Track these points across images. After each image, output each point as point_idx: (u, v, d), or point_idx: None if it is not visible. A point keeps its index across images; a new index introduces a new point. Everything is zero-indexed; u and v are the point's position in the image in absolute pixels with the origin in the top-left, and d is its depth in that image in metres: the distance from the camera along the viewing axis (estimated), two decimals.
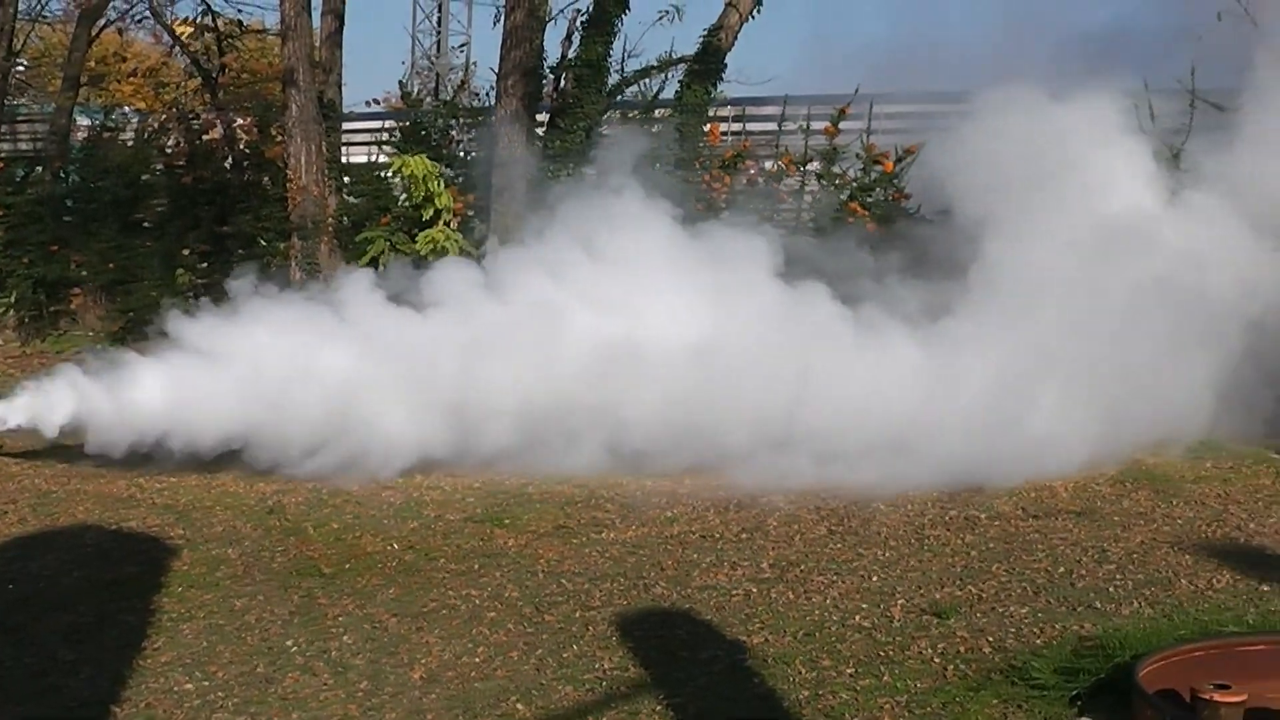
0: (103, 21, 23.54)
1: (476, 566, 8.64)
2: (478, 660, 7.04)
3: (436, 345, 11.04)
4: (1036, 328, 11.11)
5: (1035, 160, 11.79)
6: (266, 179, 18.94)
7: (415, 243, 15.31)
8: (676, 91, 17.76)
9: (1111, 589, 7.97)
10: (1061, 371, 11.01)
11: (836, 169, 16.04)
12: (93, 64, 25.65)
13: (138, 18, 24.72)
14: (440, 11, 39.67)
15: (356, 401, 10.74)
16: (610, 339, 10.94)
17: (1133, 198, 11.99)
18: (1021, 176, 11.81)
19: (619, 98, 18.72)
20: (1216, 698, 5.18)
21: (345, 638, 7.37)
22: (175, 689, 6.67)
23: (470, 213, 16.33)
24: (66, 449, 11.35)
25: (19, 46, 23.53)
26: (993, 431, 10.57)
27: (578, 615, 7.68)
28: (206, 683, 6.74)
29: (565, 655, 7.08)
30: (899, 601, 7.81)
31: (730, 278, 11.64)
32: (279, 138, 18.13)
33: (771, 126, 18.04)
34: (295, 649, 7.22)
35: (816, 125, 16.39)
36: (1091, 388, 10.99)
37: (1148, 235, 11.49)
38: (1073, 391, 10.98)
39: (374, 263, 15.24)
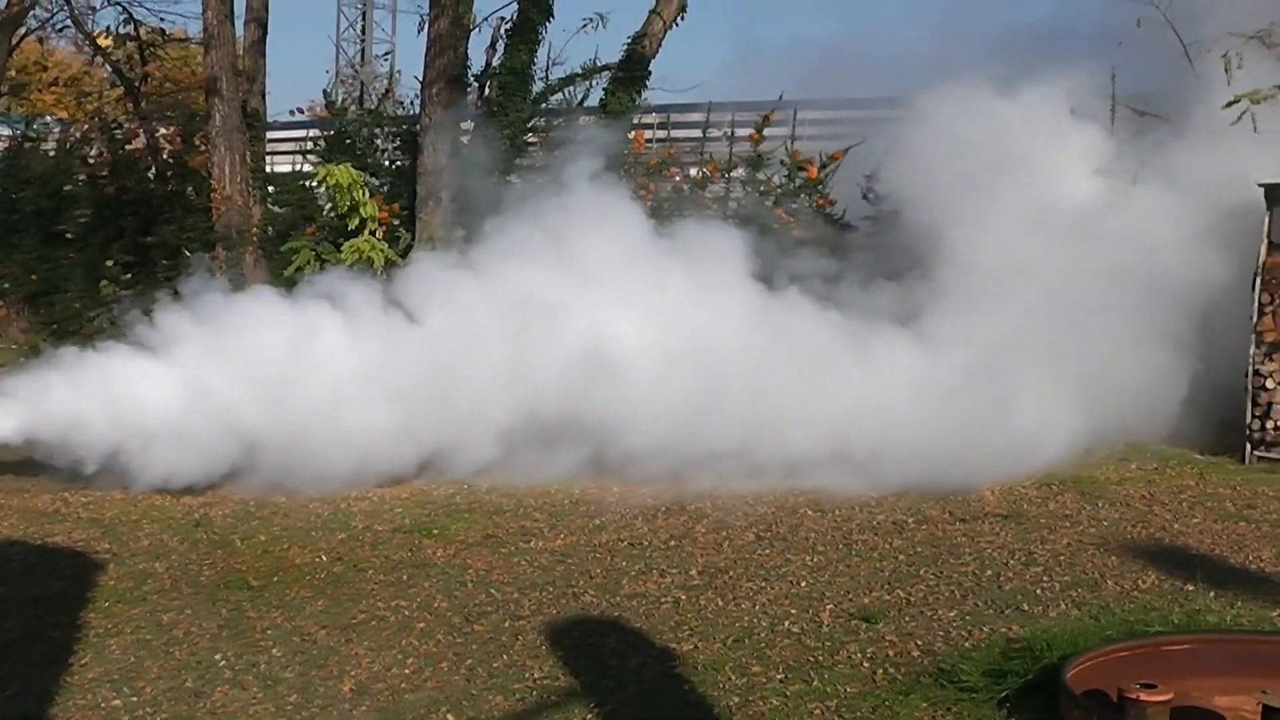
0: (23, 30, 23.41)
1: (405, 577, 8.60)
2: (407, 671, 7.01)
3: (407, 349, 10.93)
4: (994, 324, 11.17)
5: (980, 158, 11.83)
6: (190, 189, 18.92)
7: (340, 252, 15.25)
8: (601, 99, 17.80)
9: (1039, 591, 8.03)
10: (1015, 372, 11.06)
11: (761, 175, 16.07)
12: (13, 73, 25.49)
13: (59, 26, 24.61)
14: (364, 20, 39.71)
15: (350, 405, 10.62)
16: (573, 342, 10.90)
17: (1079, 195, 12.09)
18: (963, 174, 11.85)
19: (544, 105, 18.75)
20: (1143, 697, 5.22)
21: (274, 650, 7.33)
22: (103, 705, 6.60)
23: (395, 222, 16.30)
24: None
25: None
26: (960, 434, 10.62)
27: (507, 625, 7.66)
28: (135, 698, 6.68)
29: (495, 665, 7.06)
30: (828, 606, 7.83)
31: (696, 279, 11.57)
32: (202, 147, 18.11)
33: (696, 133, 18.14)
34: (224, 662, 7.16)
35: (741, 132, 16.47)
36: (1052, 388, 11.08)
37: (1094, 232, 11.59)
38: (1034, 393, 11.05)
39: (299, 273, 15.17)
